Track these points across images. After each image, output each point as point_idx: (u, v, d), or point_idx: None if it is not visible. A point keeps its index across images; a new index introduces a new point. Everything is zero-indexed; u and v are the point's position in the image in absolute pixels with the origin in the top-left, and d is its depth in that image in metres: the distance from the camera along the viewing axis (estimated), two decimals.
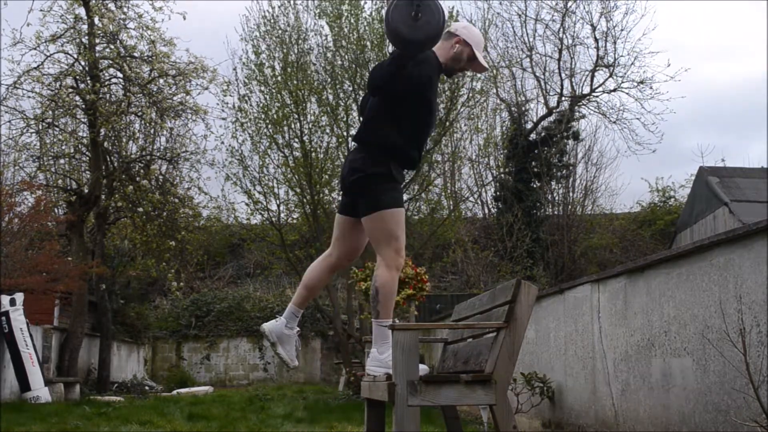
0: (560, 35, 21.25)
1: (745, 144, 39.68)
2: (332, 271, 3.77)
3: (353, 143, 3.72)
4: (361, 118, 3.77)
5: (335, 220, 3.77)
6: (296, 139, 12.65)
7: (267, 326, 3.62)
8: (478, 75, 13.98)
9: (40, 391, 10.91)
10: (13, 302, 10.84)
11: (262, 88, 12.87)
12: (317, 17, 13.02)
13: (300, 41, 12.89)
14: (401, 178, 3.62)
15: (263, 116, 12.84)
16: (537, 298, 3.65)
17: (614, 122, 22.41)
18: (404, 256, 3.55)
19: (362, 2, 12.91)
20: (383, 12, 12.73)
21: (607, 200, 25.70)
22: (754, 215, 11.89)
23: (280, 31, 12.94)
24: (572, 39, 21.35)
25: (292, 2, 13.08)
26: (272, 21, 12.99)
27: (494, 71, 16.56)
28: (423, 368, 3.25)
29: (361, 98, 3.32)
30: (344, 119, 12.61)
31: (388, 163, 3.47)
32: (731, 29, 39.73)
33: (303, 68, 12.67)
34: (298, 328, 3.67)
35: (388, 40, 3.37)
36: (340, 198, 3.89)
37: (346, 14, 12.71)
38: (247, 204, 13.12)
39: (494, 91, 18.13)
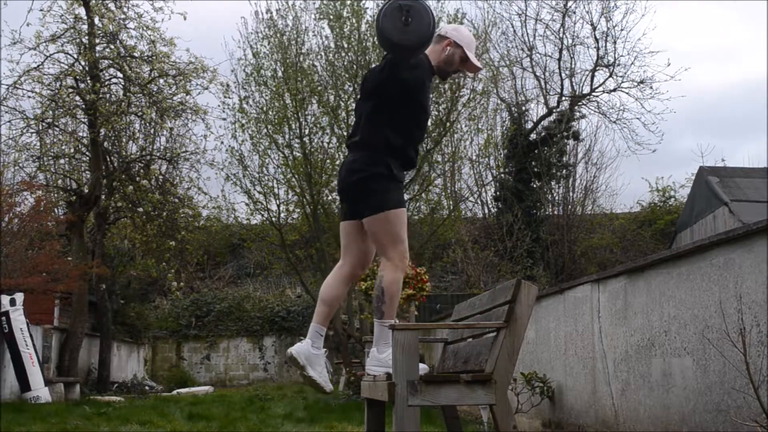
0: (560, 35, 21.27)
1: (744, 144, 39.71)
2: (348, 282, 3.68)
3: (348, 147, 3.67)
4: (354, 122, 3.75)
5: (341, 230, 3.70)
6: (296, 140, 12.65)
7: (293, 349, 3.45)
8: (480, 75, 13.99)
9: (40, 391, 10.91)
10: (13, 302, 10.84)
11: (262, 89, 12.87)
12: (317, 19, 13.02)
13: (299, 43, 12.88)
14: (402, 177, 3.59)
15: (263, 117, 12.84)
16: (537, 298, 3.65)
17: (614, 122, 22.45)
18: (406, 257, 3.51)
19: (363, 3, 12.91)
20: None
21: (607, 200, 25.66)
22: (754, 215, 11.87)
23: (279, 34, 12.93)
24: (572, 39, 21.38)
25: (290, 3, 13.08)
26: (271, 23, 12.98)
27: (494, 71, 16.55)
28: (423, 368, 3.26)
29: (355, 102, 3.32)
30: (345, 119, 12.62)
31: (388, 163, 3.46)
32: (731, 29, 39.73)
33: (303, 70, 12.66)
34: (325, 349, 3.53)
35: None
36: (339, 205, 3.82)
37: (347, 15, 12.69)
38: (247, 204, 13.13)
39: (494, 91, 18.12)
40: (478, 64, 3.68)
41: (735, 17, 41.45)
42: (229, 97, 13.34)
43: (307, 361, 3.43)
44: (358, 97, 3.70)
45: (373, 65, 12.53)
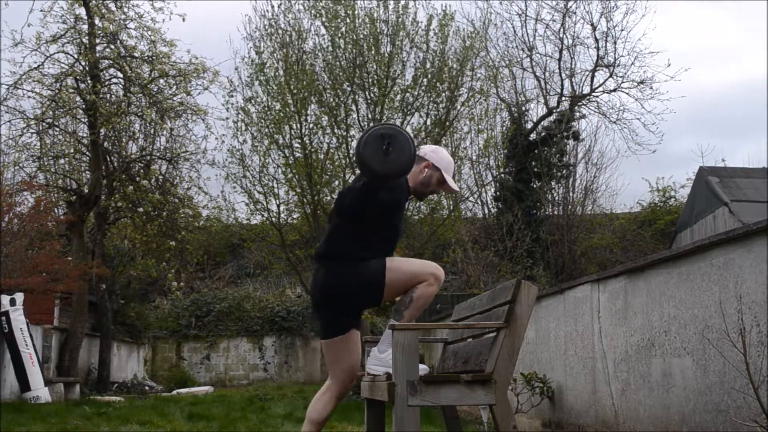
0: (560, 35, 21.27)
1: (744, 144, 39.70)
2: (339, 400, 3.57)
3: (315, 257, 3.59)
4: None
5: (323, 349, 3.59)
6: (297, 140, 12.65)
7: None
8: (479, 75, 13.98)
9: (40, 391, 10.91)
10: (13, 302, 10.84)
11: (265, 88, 12.86)
12: (313, 17, 13.02)
13: (300, 42, 12.88)
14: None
15: (264, 116, 12.84)
16: (537, 298, 3.65)
17: (614, 122, 22.47)
18: (438, 267, 3.44)
19: (356, 2, 12.88)
20: (379, 13, 12.80)
21: (607, 200, 25.66)
22: (754, 215, 11.88)
23: (281, 32, 12.93)
24: (572, 39, 21.37)
25: (292, 2, 13.07)
26: (273, 21, 12.98)
27: (494, 71, 16.53)
28: (423, 368, 3.25)
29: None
30: (344, 120, 12.62)
31: (358, 275, 3.41)
32: (731, 30, 39.72)
33: (304, 70, 12.66)
34: None
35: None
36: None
37: (342, 14, 12.67)
38: (247, 204, 13.12)
39: (494, 91, 18.12)
40: (454, 187, 3.63)
41: (735, 17, 41.45)
42: (238, 92, 13.31)
43: None
44: (331, 211, 3.61)
45: (370, 64, 12.62)
